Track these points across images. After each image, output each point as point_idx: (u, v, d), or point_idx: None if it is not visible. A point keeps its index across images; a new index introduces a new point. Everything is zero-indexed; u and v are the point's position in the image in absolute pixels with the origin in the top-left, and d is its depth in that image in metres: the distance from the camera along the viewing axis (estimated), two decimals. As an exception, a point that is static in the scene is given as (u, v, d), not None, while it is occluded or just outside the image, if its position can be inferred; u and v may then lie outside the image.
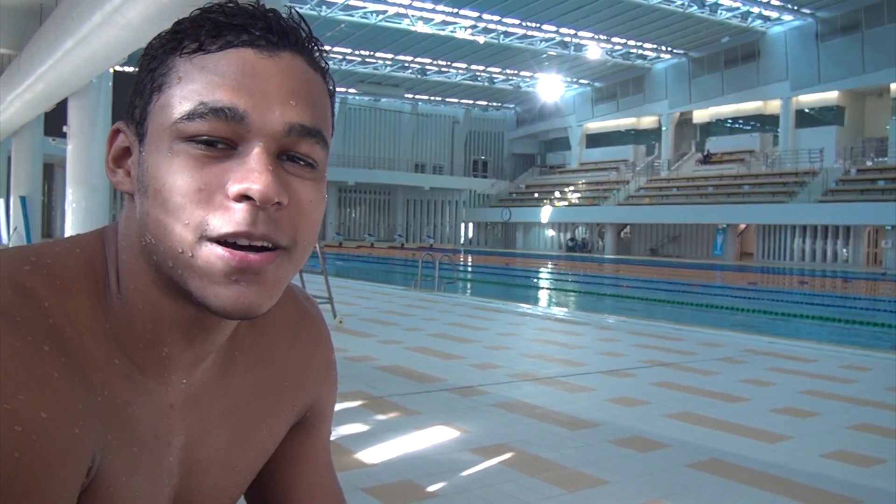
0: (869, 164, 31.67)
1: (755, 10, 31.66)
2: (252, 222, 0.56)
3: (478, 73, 41.44)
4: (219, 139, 0.57)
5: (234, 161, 0.57)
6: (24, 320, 0.54)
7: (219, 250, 0.56)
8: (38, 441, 0.51)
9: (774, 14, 32.29)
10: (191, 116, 0.56)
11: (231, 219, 0.56)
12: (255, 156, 0.57)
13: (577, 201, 41.06)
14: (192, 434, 0.67)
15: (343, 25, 31.74)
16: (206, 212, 0.56)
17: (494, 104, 49.57)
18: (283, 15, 0.61)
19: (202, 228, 0.56)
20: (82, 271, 0.62)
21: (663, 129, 40.33)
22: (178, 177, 0.56)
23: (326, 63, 0.64)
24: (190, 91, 0.57)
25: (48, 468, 0.51)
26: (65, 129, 11.99)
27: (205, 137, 0.57)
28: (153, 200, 0.58)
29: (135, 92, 0.62)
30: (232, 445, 0.71)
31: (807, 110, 33.87)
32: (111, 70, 11.00)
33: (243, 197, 0.56)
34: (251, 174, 0.56)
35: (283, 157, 0.59)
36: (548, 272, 23.29)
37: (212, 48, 0.58)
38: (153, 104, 0.59)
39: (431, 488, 2.84)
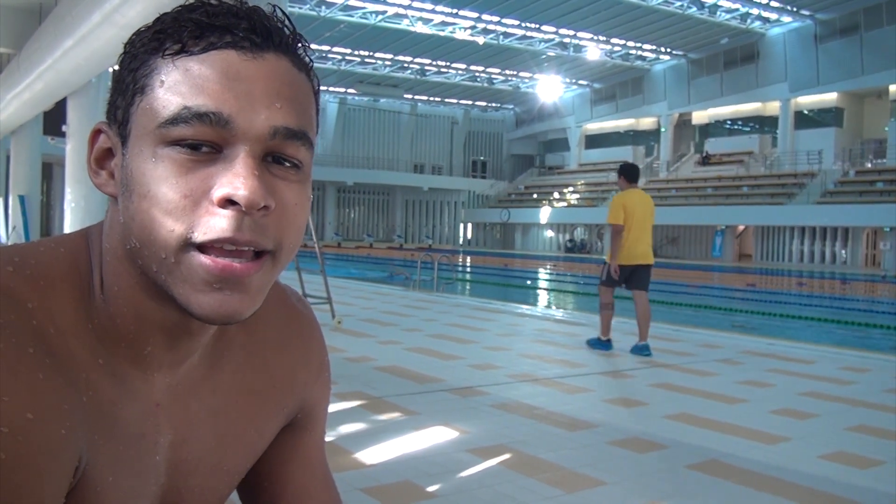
0: (868, 165, 31.74)
1: (754, 11, 31.72)
2: (237, 227, 0.56)
3: (477, 74, 41.46)
4: (203, 143, 0.56)
5: (219, 165, 0.56)
6: (7, 323, 0.54)
7: (201, 258, 0.56)
8: (24, 442, 0.50)
9: (773, 16, 32.34)
10: (174, 121, 0.56)
11: (216, 224, 0.55)
12: (241, 160, 0.56)
13: (575, 202, 41.07)
14: (179, 433, 0.67)
15: (342, 26, 31.76)
16: (191, 218, 0.55)
17: (493, 105, 49.60)
18: (267, 13, 0.60)
19: (187, 234, 0.56)
20: (66, 272, 0.61)
21: (662, 130, 40.37)
22: (162, 183, 0.56)
23: (311, 60, 0.64)
24: (173, 95, 0.56)
25: (35, 469, 0.51)
26: (64, 128, 11.98)
27: (189, 141, 0.56)
28: (137, 205, 0.57)
29: (116, 92, 0.61)
30: (220, 445, 0.70)
31: (805, 112, 33.91)
32: (110, 69, 10.99)
33: (229, 202, 0.55)
34: (237, 179, 0.55)
35: (269, 158, 0.59)
36: (547, 273, 23.29)
37: (194, 50, 0.57)
38: (136, 106, 0.58)
39: (430, 489, 2.84)
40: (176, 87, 0.56)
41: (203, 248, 0.56)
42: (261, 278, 0.58)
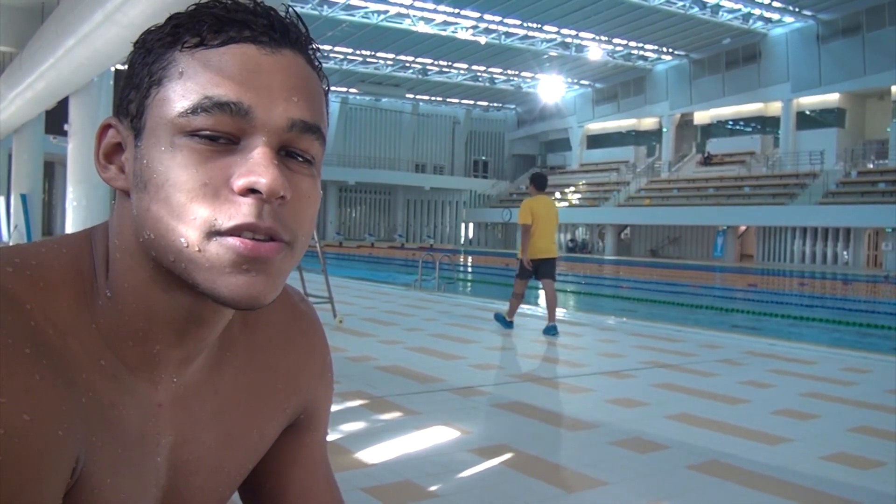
0: (869, 166, 31.71)
1: (756, 11, 31.70)
2: (258, 215, 0.56)
3: (479, 74, 41.46)
4: (222, 134, 0.57)
5: (236, 156, 0.57)
6: (4, 323, 0.54)
7: (230, 240, 0.56)
8: (20, 444, 0.50)
9: (776, 16, 32.32)
10: (194, 111, 0.56)
11: (238, 212, 0.56)
12: (259, 150, 0.57)
13: (577, 202, 41.05)
14: (180, 434, 0.67)
15: (344, 25, 31.76)
16: (212, 207, 0.56)
17: (495, 105, 49.59)
18: (281, 13, 0.62)
19: (209, 224, 0.56)
20: (68, 272, 0.61)
21: (664, 130, 40.35)
22: (181, 172, 0.56)
23: (321, 63, 0.65)
24: (193, 85, 0.57)
25: (31, 470, 0.51)
26: (66, 127, 11.99)
27: (208, 132, 0.56)
28: (154, 196, 0.57)
29: (129, 86, 0.61)
30: (221, 446, 0.70)
31: (807, 112, 33.89)
32: (112, 69, 11.00)
33: (249, 191, 0.56)
34: (257, 168, 0.56)
35: (282, 152, 0.59)
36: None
37: (214, 43, 0.58)
38: (152, 98, 0.59)
39: (431, 488, 2.84)
40: (196, 77, 0.57)
41: (227, 235, 0.56)
42: (282, 262, 0.59)
